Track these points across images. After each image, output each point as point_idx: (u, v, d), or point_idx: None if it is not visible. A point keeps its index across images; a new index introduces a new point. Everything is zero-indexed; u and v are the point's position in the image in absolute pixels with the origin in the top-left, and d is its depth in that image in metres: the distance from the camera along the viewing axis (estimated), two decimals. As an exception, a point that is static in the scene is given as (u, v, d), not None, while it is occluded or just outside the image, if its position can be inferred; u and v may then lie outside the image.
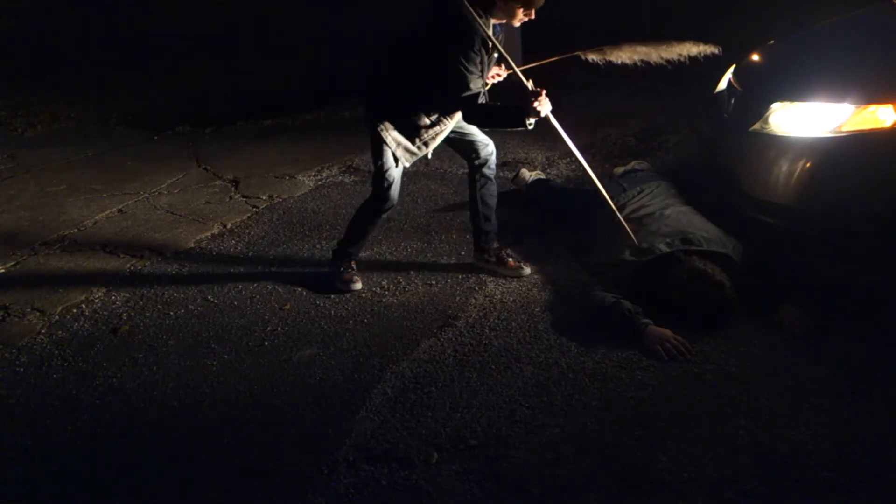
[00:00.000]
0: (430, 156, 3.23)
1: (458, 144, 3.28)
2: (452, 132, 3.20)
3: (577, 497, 2.14)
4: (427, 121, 3.06)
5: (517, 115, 2.89)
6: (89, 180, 5.09)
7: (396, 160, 3.11)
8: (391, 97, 3.07)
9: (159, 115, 6.60)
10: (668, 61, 3.15)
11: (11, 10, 10.10)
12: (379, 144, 3.08)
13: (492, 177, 3.32)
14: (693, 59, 3.21)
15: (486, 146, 3.27)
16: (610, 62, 3.12)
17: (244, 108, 6.54)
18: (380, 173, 3.14)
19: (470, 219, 3.45)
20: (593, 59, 3.12)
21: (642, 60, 3.13)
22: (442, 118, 3.08)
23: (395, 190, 3.18)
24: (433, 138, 3.12)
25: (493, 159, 3.29)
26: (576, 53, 3.12)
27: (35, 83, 8.06)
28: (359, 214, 3.32)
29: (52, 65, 8.70)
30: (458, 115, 3.10)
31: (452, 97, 2.92)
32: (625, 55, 3.11)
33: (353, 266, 3.39)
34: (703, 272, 2.84)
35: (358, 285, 3.33)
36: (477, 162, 3.28)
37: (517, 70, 2.98)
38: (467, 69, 2.83)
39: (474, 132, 3.24)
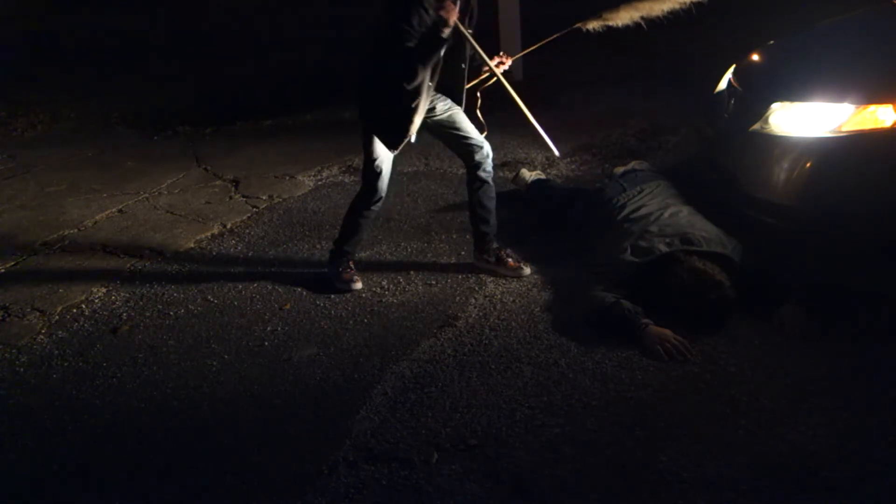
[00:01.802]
0: (413, 139, 3.13)
1: (454, 145, 3.28)
2: (448, 130, 3.20)
3: (577, 497, 2.14)
4: (404, 105, 3.01)
5: (434, 33, 2.86)
6: (89, 180, 5.09)
7: (389, 146, 3.10)
8: (366, 88, 3.09)
9: (159, 115, 6.60)
10: (669, 12, 3.11)
11: (11, 10, 10.10)
12: (369, 135, 3.11)
13: (488, 179, 3.32)
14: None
15: (482, 149, 3.26)
16: (610, 27, 3.09)
17: (244, 108, 6.54)
18: (369, 164, 3.16)
19: (469, 220, 3.45)
20: (594, 28, 3.09)
21: (643, 17, 3.10)
22: (417, 98, 3.01)
23: (383, 182, 3.20)
24: (414, 124, 3.07)
25: (488, 162, 3.29)
26: (576, 27, 3.09)
27: (35, 83, 8.06)
28: (350, 210, 3.33)
29: (52, 65, 8.70)
30: (427, 97, 3.03)
31: (398, 58, 2.89)
32: (625, 16, 3.08)
33: (353, 265, 3.39)
34: (703, 272, 2.84)
35: (358, 285, 3.34)
36: (472, 164, 3.28)
37: None
38: (408, 28, 2.84)
39: (470, 133, 3.24)
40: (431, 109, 3.17)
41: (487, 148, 3.28)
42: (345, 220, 3.35)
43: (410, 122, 3.02)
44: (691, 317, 2.82)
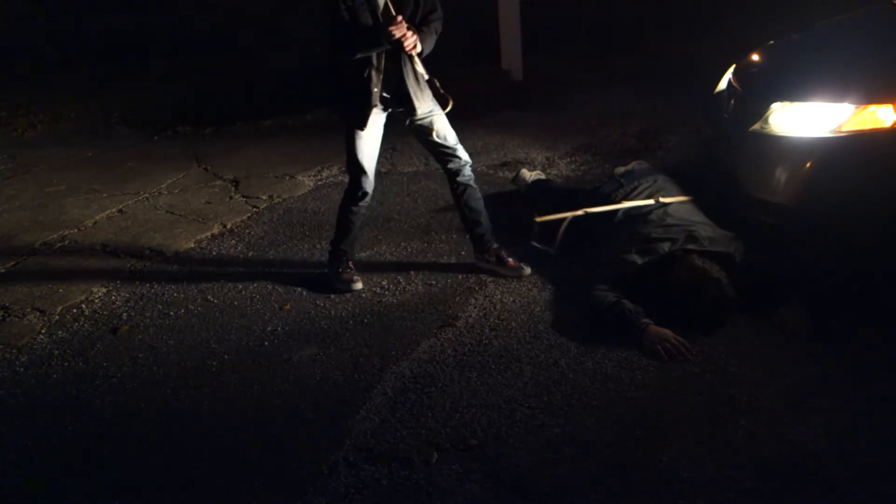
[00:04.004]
0: (378, 109, 3.11)
1: (431, 151, 3.29)
2: (426, 136, 3.19)
3: (577, 497, 2.14)
4: (360, 78, 3.02)
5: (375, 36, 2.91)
6: (89, 180, 5.09)
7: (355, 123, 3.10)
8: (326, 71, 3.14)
9: (159, 115, 6.60)
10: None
11: (11, 10, 10.10)
12: (348, 129, 3.12)
13: (469, 182, 3.31)
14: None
15: (458, 157, 3.25)
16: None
17: (244, 108, 6.54)
18: (351, 159, 3.18)
19: (462, 225, 3.46)
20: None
21: None
22: (371, 71, 3.01)
23: (367, 178, 3.21)
24: (373, 91, 3.05)
25: (466, 169, 3.29)
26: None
27: (35, 83, 8.06)
28: (339, 207, 3.35)
29: (52, 65, 8.70)
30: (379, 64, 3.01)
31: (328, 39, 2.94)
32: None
33: (352, 266, 3.40)
34: (702, 270, 2.85)
35: (358, 285, 3.34)
36: (451, 169, 3.28)
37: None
38: (333, 10, 2.87)
39: (448, 141, 3.22)
40: (412, 111, 3.13)
41: (464, 155, 3.28)
42: (337, 218, 3.38)
43: (368, 91, 3.01)
44: (692, 315, 2.82)
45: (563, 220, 3.47)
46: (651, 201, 3.37)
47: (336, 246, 3.38)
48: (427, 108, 3.14)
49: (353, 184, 3.25)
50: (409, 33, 2.89)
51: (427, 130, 3.18)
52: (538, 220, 3.49)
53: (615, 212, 3.36)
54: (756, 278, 2.95)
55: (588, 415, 2.45)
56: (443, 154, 3.26)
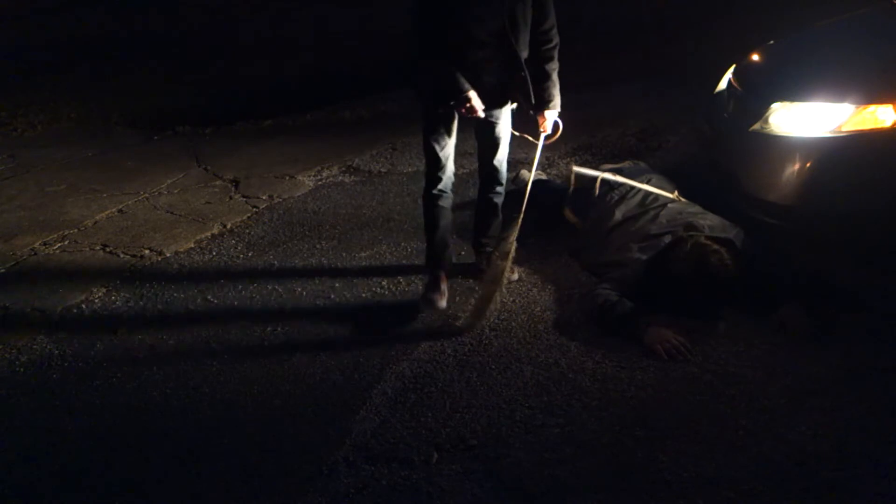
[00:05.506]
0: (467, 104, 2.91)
1: (480, 151, 3.22)
2: (481, 137, 3.14)
3: (577, 497, 2.14)
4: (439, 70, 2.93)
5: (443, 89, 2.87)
6: (89, 180, 5.09)
7: (441, 115, 2.99)
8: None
9: (159, 115, 6.60)
10: None
11: (12, 11, 10.11)
12: (424, 113, 3.03)
13: (493, 200, 3.27)
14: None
15: (496, 175, 3.21)
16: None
17: (244, 108, 6.55)
18: (424, 142, 3.06)
19: (472, 217, 3.43)
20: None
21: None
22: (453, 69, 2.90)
23: (439, 164, 3.07)
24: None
25: (498, 188, 3.26)
26: None
27: (35, 83, 8.07)
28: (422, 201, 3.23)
29: (52, 65, 8.71)
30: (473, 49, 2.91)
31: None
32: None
33: (442, 276, 3.20)
34: (704, 245, 2.87)
35: (442, 303, 3.14)
36: (482, 180, 3.26)
37: None
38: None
39: (496, 153, 3.16)
40: (488, 113, 3.01)
41: (502, 174, 3.23)
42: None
43: (449, 72, 2.84)
44: (696, 292, 2.82)
45: (595, 178, 3.55)
46: (671, 195, 3.38)
47: (427, 249, 3.23)
48: (506, 111, 3.10)
49: (426, 172, 3.14)
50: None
51: (486, 134, 3.12)
52: (575, 169, 3.61)
53: (613, 214, 3.36)
54: (756, 278, 2.95)
55: (588, 415, 2.45)
56: (484, 162, 3.21)
